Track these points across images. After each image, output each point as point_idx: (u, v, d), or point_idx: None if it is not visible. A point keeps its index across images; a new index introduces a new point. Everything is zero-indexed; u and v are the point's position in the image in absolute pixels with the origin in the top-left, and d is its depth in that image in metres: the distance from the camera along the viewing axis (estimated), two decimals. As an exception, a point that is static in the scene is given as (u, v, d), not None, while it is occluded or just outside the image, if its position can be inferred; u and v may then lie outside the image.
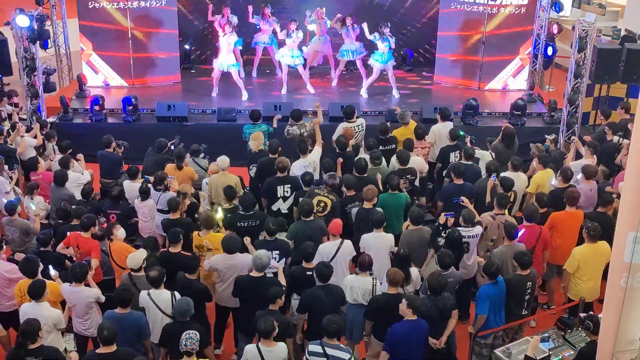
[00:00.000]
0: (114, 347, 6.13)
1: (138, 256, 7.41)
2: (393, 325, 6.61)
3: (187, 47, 16.38)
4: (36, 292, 6.73)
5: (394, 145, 10.41)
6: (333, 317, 6.36)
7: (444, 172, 10.06)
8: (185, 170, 9.82)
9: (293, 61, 14.19)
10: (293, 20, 14.19)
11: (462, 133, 10.59)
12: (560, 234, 8.51)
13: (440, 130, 10.84)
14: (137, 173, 9.66)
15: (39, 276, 7.18)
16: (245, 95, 14.10)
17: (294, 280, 7.49)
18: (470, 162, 9.70)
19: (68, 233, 8.16)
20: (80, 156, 10.41)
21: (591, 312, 7.14)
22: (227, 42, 13.62)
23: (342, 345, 6.38)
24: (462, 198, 8.73)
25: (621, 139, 10.43)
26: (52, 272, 7.32)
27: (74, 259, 8.03)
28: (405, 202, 8.94)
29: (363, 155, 10.05)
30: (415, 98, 14.64)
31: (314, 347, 6.35)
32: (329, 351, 6.27)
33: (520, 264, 7.38)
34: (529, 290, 7.47)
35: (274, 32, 14.81)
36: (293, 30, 13.97)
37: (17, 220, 8.70)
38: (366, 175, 9.33)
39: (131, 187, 9.45)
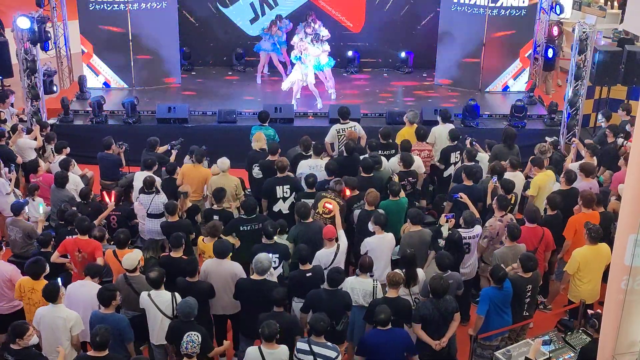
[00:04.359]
0: (105, 352, 6.15)
1: (133, 257, 7.40)
2: (364, 334, 6.73)
3: (186, 49, 16.40)
4: (51, 295, 6.70)
5: (393, 151, 10.41)
6: (320, 316, 6.42)
7: (445, 173, 10.05)
8: (200, 170, 9.82)
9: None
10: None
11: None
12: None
13: (441, 132, 10.84)
14: (152, 165, 9.69)
15: (42, 278, 7.18)
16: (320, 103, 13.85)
17: (294, 284, 7.49)
18: (474, 163, 9.69)
19: (67, 236, 8.14)
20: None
21: (599, 311, 7.12)
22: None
23: (329, 344, 6.42)
24: (461, 194, 8.74)
25: (625, 142, 10.42)
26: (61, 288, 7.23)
27: (73, 265, 8.01)
28: (406, 206, 8.94)
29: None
30: (415, 100, 14.65)
31: (301, 344, 6.42)
32: (316, 349, 6.33)
33: (524, 268, 7.36)
34: (528, 293, 7.46)
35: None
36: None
37: (22, 221, 8.69)
38: (372, 175, 9.35)
39: (143, 176, 9.42)
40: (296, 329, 6.93)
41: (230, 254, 7.58)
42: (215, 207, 8.79)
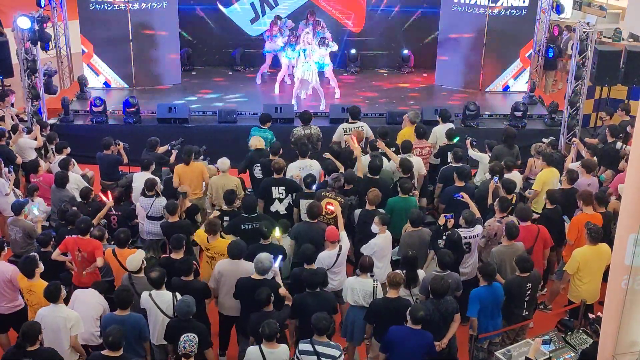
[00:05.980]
0: (120, 352, 6.16)
1: (137, 258, 7.39)
2: (391, 327, 6.64)
3: (187, 49, 16.41)
4: (52, 295, 6.70)
5: (392, 149, 10.41)
6: (322, 314, 6.39)
7: (439, 176, 10.08)
8: (194, 166, 9.79)
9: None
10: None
11: (456, 139, 10.55)
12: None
13: (441, 132, 10.85)
14: (149, 165, 9.69)
15: (37, 276, 7.18)
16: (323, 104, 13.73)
17: (296, 282, 7.49)
18: (461, 164, 9.65)
19: (67, 236, 8.13)
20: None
21: (599, 314, 7.12)
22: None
23: (332, 343, 6.40)
24: (462, 194, 8.73)
25: (624, 145, 10.39)
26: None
27: (74, 264, 8.01)
28: (415, 206, 8.93)
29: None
30: (416, 100, 14.65)
31: (304, 345, 6.39)
32: (319, 349, 6.30)
33: (521, 269, 7.38)
34: (528, 292, 7.47)
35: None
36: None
37: (22, 220, 8.68)
38: (378, 177, 9.34)
39: (142, 177, 9.42)
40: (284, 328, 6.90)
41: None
42: (225, 208, 8.79)
